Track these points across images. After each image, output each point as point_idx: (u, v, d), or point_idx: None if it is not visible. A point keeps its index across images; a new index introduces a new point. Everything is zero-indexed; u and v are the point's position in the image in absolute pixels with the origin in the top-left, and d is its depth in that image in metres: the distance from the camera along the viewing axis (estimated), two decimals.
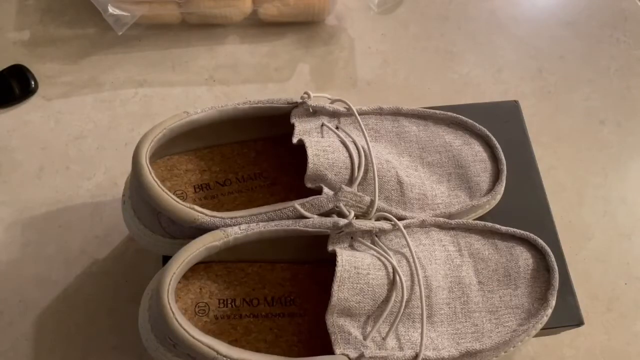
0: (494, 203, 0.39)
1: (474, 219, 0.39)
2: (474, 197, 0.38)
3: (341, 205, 0.34)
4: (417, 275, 0.34)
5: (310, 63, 0.52)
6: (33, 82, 0.49)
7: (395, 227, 0.35)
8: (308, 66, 0.51)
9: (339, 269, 0.32)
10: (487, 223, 0.37)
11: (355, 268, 0.33)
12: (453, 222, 0.37)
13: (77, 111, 0.49)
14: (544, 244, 0.37)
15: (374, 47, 0.53)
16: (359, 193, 0.35)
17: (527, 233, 0.37)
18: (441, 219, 0.37)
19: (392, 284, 0.34)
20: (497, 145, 0.40)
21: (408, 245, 0.35)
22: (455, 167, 0.39)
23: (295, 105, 0.37)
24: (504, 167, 0.39)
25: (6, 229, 0.43)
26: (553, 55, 0.54)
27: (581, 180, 0.48)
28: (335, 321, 0.32)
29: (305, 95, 0.37)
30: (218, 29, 0.53)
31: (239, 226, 0.33)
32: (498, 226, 0.38)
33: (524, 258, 0.37)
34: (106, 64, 0.51)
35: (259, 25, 0.53)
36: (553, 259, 0.36)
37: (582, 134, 0.50)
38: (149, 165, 0.33)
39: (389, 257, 0.34)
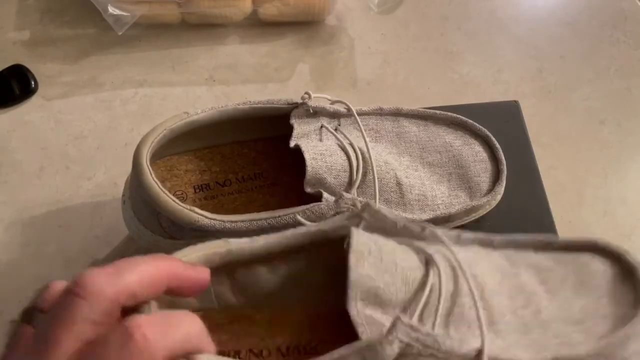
0: (494, 203, 0.39)
1: (474, 220, 0.39)
2: (474, 197, 0.39)
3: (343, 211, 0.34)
4: (461, 269, 0.29)
5: (310, 63, 0.52)
6: (33, 82, 0.49)
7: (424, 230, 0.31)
8: (308, 66, 0.51)
9: (354, 241, 0.28)
10: (538, 235, 0.33)
11: (376, 244, 0.28)
12: (497, 238, 0.33)
13: (77, 111, 0.49)
14: (615, 245, 0.34)
15: (374, 47, 0.53)
16: (358, 198, 0.34)
17: (591, 237, 0.34)
18: (481, 235, 0.33)
19: (426, 272, 0.29)
20: (497, 146, 0.40)
21: (445, 244, 0.30)
22: (456, 167, 0.39)
23: (296, 105, 0.37)
24: (504, 168, 0.39)
25: (6, 229, 0.43)
26: (553, 55, 0.54)
27: (581, 180, 0.48)
28: (361, 311, 0.27)
29: (306, 96, 0.37)
30: (218, 28, 0.53)
31: (242, 239, 0.30)
32: (554, 237, 0.35)
33: (596, 264, 0.33)
34: (106, 64, 0.51)
35: (259, 25, 0.53)
36: (632, 257, 0.33)
37: (582, 134, 0.50)
38: (149, 167, 0.33)
39: (422, 247, 0.30)
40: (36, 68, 0.50)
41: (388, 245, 0.29)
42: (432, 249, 0.30)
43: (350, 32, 0.54)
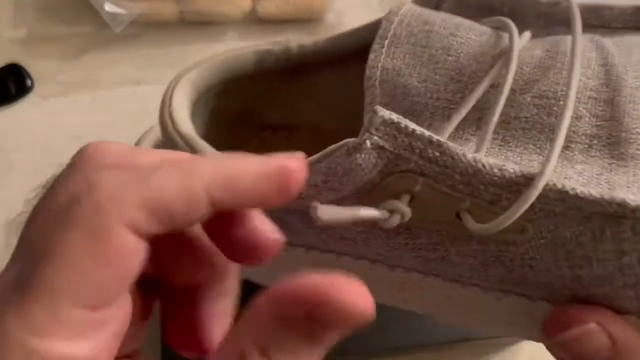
0: None
1: None
2: None
3: None
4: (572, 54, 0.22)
5: None
6: (29, 81, 0.48)
7: None
8: None
9: (393, 19, 0.23)
10: None
11: (426, 23, 0.24)
12: None
13: (75, 110, 0.48)
14: None
15: None
16: None
17: None
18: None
19: (498, 56, 0.23)
20: None
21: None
22: None
23: None
24: None
25: (2, 230, 0.43)
26: None
27: None
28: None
29: None
30: (216, 26, 0.52)
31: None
32: None
33: None
34: (103, 62, 0.51)
35: (258, 23, 0.53)
36: None
37: None
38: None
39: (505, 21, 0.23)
40: (32, 66, 0.49)
41: (450, 21, 0.24)
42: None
43: None
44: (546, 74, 0.23)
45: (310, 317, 0.16)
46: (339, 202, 0.24)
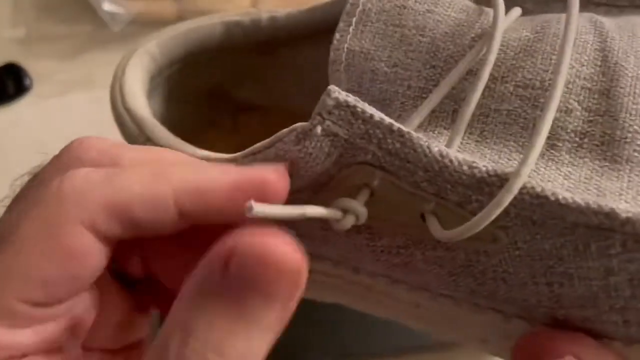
0: None
1: None
2: None
3: None
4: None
5: None
6: (27, 80, 0.48)
7: None
8: None
9: None
10: None
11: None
12: None
13: (73, 109, 0.48)
14: None
15: None
16: None
17: None
18: None
19: (478, 37, 0.20)
20: None
21: None
22: None
23: None
24: None
25: None
26: None
27: None
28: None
29: None
30: None
31: None
32: None
33: None
34: (102, 62, 0.50)
35: None
36: None
37: None
38: None
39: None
40: (30, 66, 0.49)
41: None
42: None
43: None
44: (533, 59, 0.20)
45: (228, 274, 0.14)
46: (296, 193, 0.21)
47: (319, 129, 0.19)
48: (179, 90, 0.31)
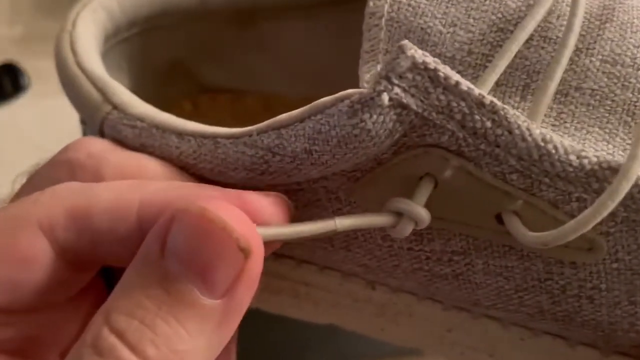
0: None
1: None
2: None
3: None
4: None
5: None
6: (25, 80, 0.47)
7: None
8: None
9: None
10: None
11: None
12: None
13: (71, 109, 0.42)
14: None
15: None
16: None
17: None
18: None
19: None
20: None
21: None
22: None
23: None
24: None
25: None
26: None
27: None
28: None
29: None
30: None
31: None
32: None
33: None
34: None
35: None
36: None
37: None
38: None
39: None
40: (29, 65, 0.47)
41: None
42: None
43: None
44: (622, 31, 0.17)
45: (165, 249, 0.13)
46: (321, 180, 0.16)
47: (385, 98, 0.14)
48: (134, 60, 0.25)
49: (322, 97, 0.28)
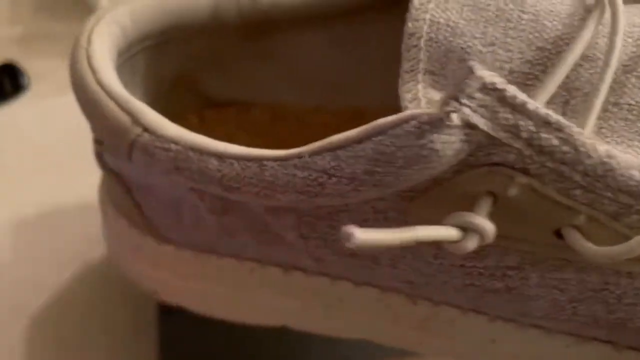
0: None
1: None
2: None
3: None
4: None
5: None
6: (25, 79, 0.46)
7: None
8: None
9: None
10: None
11: None
12: None
13: (71, 109, 0.42)
14: None
15: None
16: None
17: None
18: None
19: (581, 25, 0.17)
20: None
21: None
22: None
23: None
24: None
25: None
26: None
27: None
28: (423, 91, 0.17)
29: None
30: None
31: None
32: None
33: None
34: None
35: None
36: None
37: None
38: None
39: None
40: (28, 65, 0.47)
41: None
42: None
43: None
44: None
45: None
46: (373, 202, 0.16)
47: (455, 118, 0.14)
48: (139, 75, 0.25)
49: (334, 106, 0.28)
